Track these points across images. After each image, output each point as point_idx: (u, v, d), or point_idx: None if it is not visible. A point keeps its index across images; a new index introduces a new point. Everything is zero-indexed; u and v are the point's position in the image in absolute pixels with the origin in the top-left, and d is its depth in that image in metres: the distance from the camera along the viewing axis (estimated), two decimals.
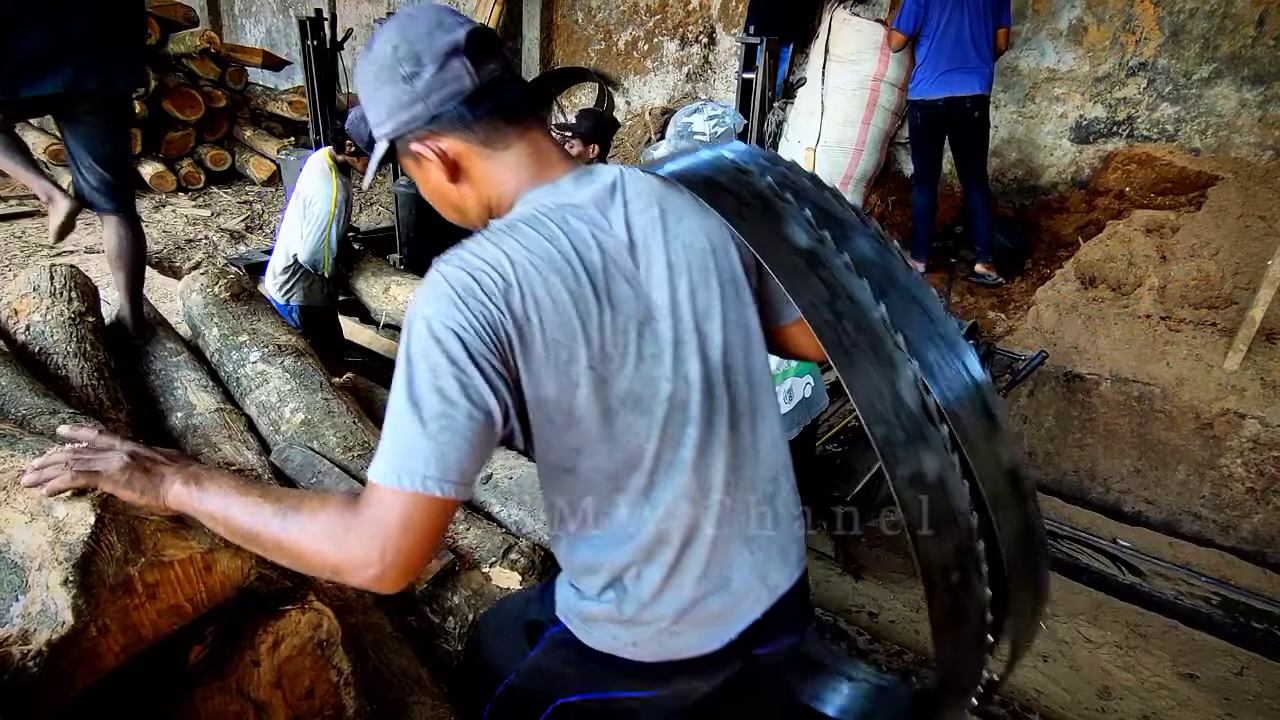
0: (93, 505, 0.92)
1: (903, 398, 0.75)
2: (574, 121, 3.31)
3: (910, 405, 0.75)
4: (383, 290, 3.44)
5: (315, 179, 2.99)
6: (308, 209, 2.98)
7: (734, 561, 0.97)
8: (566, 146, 2.34)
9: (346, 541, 0.76)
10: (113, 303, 2.40)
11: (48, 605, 0.86)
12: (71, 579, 0.86)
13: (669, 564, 0.93)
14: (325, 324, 3.29)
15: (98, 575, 0.88)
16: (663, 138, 2.27)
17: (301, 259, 3.02)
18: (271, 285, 3.14)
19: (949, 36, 3.86)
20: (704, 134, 1.84)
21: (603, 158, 3.33)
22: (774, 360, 2.06)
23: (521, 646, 1.11)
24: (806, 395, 2.12)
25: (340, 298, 3.54)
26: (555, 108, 6.07)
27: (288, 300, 3.10)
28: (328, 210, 2.95)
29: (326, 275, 3.11)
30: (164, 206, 5.37)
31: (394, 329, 3.37)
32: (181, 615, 0.97)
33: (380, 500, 0.76)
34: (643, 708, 1.05)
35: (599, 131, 3.24)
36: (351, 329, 3.61)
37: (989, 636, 0.80)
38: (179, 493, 0.89)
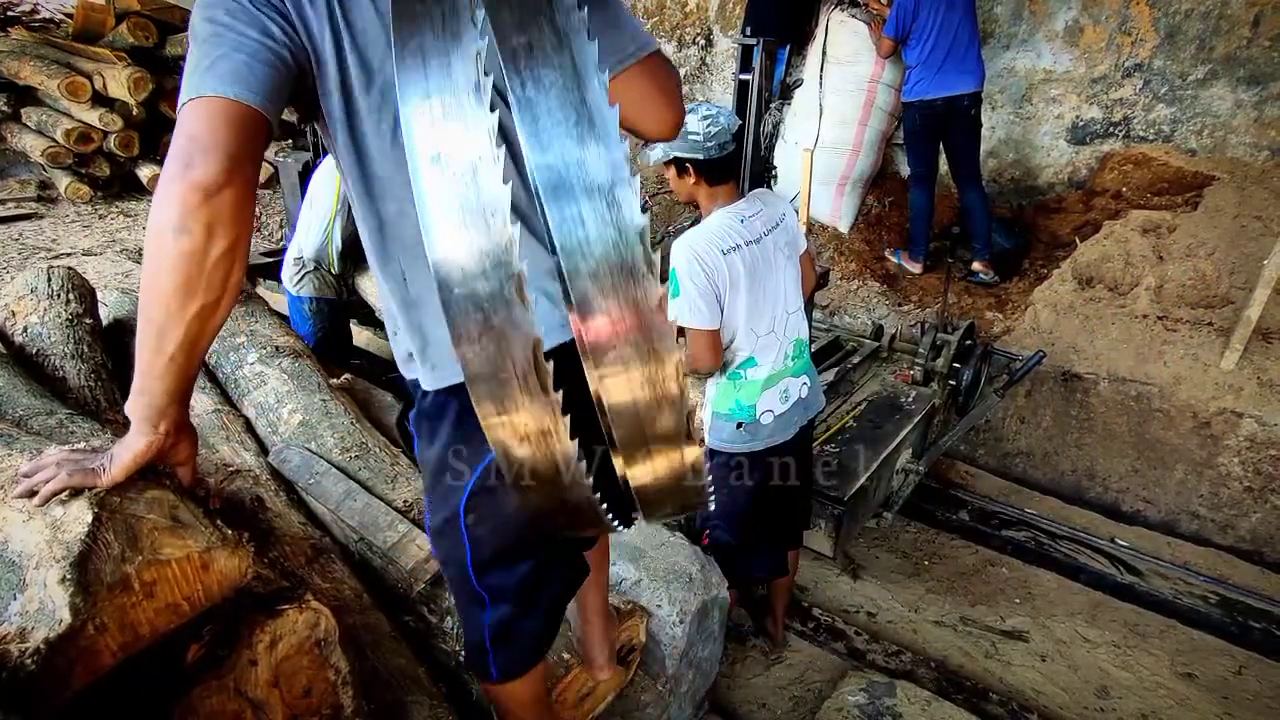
0: (90, 504, 0.92)
1: (488, 275, 0.69)
2: None
3: (492, 284, 0.69)
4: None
5: (322, 178, 3.09)
6: (313, 206, 3.06)
7: None
8: None
9: (165, 175, 0.79)
10: (110, 304, 2.41)
11: (45, 603, 0.86)
12: (69, 577, 0.86)
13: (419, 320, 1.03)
14: (336, 317, 3.33)
15: (95, 573, 0.88)
16: None
17: (306, 254, 3.11)
18: (285, 276, 3.20)
19: (944, 37, 3.86)
20: (698, 134, 1.84)
21: None
22: (768, 365, 2.06)
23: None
24: (803, 395, 2.11)
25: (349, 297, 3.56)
26: None
27: (299, 291, 3.15)
28: (329, 207, 3.03)
29: (334, 271, 3.17)
30: None
31: None
32: (179, 614, 0.97)
33: (178, 126, 0.80)
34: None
35: None
36: (351, 330, 3.62)
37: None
38: (137, 406, 0.91)
